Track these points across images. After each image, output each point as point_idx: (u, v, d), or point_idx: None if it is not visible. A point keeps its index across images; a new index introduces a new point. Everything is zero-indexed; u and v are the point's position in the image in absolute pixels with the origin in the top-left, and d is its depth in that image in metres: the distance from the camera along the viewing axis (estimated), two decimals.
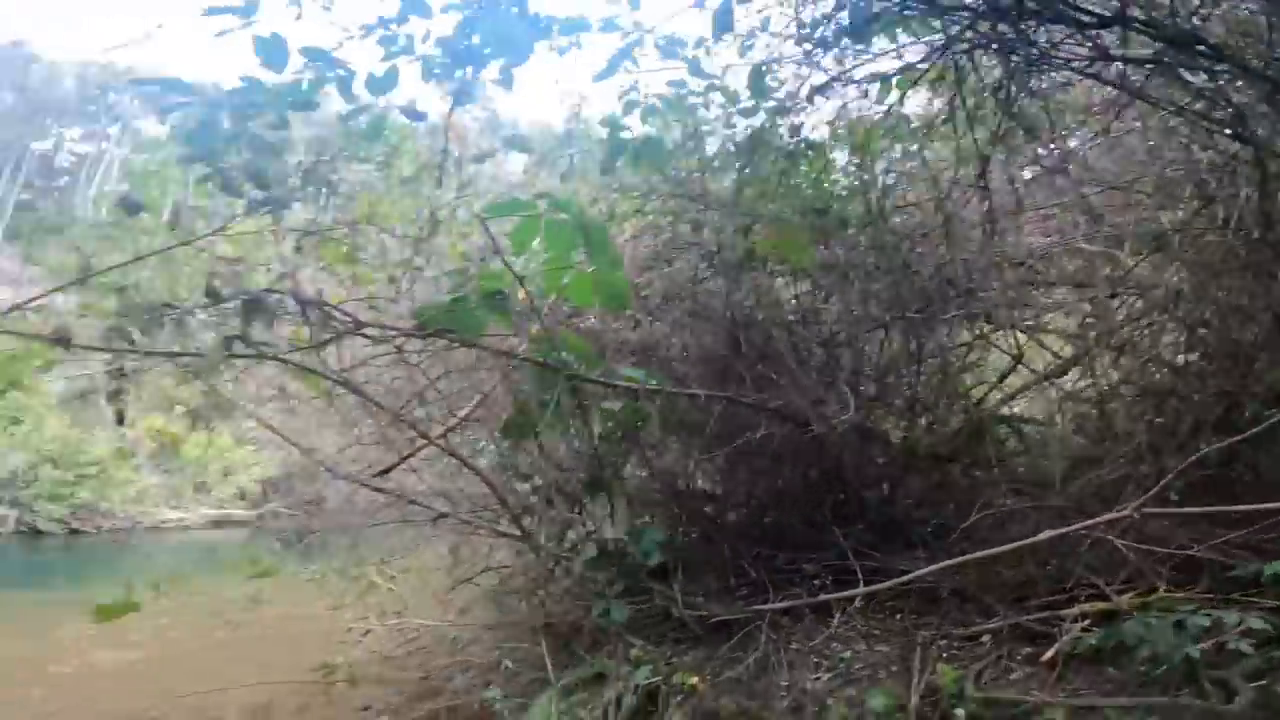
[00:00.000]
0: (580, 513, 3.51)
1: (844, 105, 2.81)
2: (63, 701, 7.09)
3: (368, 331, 2.09)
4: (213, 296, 1.87)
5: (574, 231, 2.00)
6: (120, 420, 26.60)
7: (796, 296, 3.62)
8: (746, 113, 2.86)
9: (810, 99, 2.64)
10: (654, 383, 2.45)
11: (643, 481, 3.22)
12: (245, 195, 2.17)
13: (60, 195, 44.59)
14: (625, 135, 2.74)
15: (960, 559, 2.64)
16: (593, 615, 3.42)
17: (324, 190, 2.27)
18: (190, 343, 2.04)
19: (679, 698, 3.18)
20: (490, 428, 3.07)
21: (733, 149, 2.93)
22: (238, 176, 2.13)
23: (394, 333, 2.02)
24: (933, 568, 2.53)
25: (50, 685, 7.60)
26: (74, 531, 21.37)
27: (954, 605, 2.89)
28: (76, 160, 46.56)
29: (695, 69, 2.88)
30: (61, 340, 2.09)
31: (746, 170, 2.85)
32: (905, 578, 2.61)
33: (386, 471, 2.83)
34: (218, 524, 24.57)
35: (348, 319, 2.02)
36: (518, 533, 3.46)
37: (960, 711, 2.22)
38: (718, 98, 2.97)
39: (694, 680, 3.18)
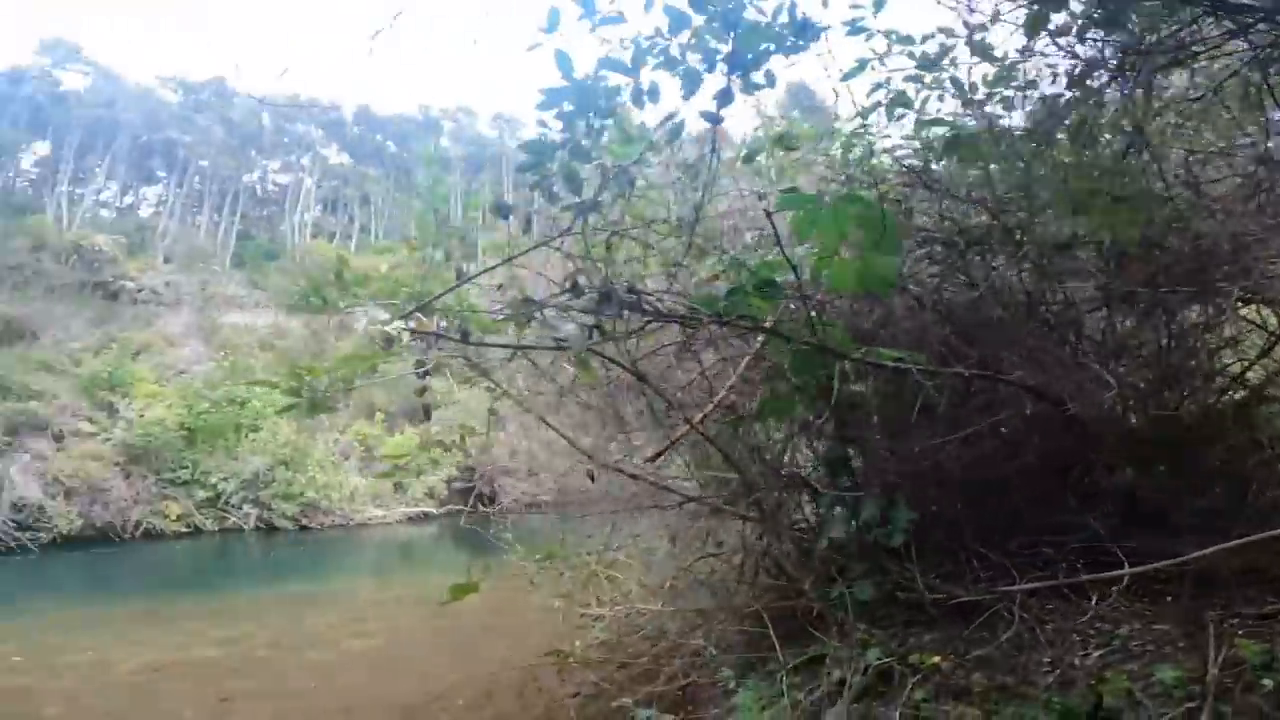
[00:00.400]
0: (815, 496, 3.67)
1: (1109, 85, 2.80)
2: (326, 685, 8.05)
3: (668, 319, 2.37)
4: (574, 290, 2.24)
5: (868, 218, 2.18)
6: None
7: (1023, 275, 3.59)
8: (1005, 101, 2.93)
9: (1080, 83, 2.66)
10: (917, 363, 2.57)
11: (883, 463, 3.34)
12: (559, 200, 2.54)
13: (268, 223, 50.49)
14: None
15: (1248, 539, 2.54)
16: (832, 596, 3.58)
17: (626, 191, 2.59)
18: (530, 335, 2.45)
19: (917, 677, 3.25)
20: (735, 413, 3.32)
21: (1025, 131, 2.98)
22: (555, 181, 2.50)
23: (702, 320, 2.28)
24: (1220, 546, 2.46)
25: (314, 671, 8.64)
26: (303, 528, 24.06)
27: (1238, 586, 2.76)
28: (278, 190, 52.86)
29: (927, 64, 3.00)
30: (465, 337, 2.52)
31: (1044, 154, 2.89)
32: (1186, 557, 2.55)
33: (657, 456, 3.16)
34: (413, 520, 26.90)
35: (660, 309, 2.33)
36: (755, 515, 3.68)
37: (1268, 681, 2.16)
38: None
39: (936, 659, 3.25)
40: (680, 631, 5.45)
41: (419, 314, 2.69)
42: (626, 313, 2.28)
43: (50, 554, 19.44)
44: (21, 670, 8.43)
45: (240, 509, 23.58)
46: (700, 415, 3.13)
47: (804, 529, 3.91)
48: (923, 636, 3.44)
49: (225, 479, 23.45)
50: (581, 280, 2.20)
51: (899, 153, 3.62)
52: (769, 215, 2.58)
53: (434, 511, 27.70)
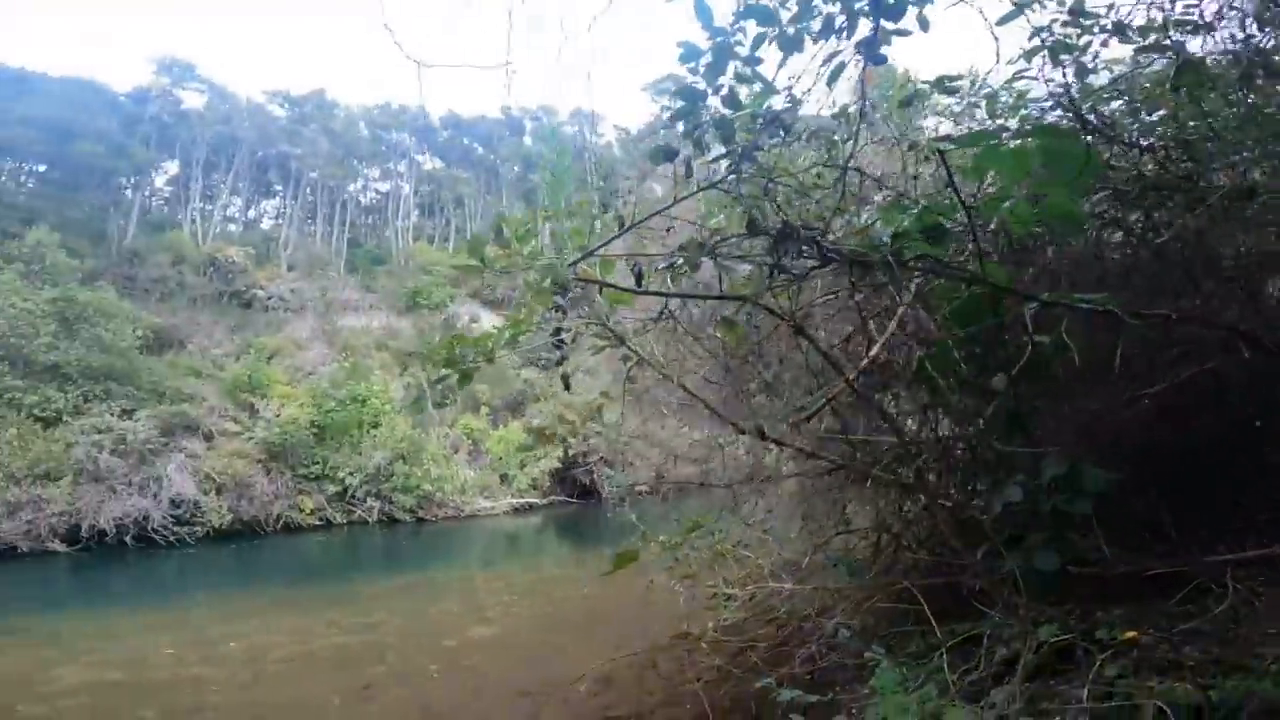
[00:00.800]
0: (979, 461, 3.46)
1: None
2: (454, 671, 8.40)
3: (846, 260, 2.26)
4: (752, 228, 2.18)
5: (1060, 153, 2.02)
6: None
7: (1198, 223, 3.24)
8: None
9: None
10: (1114, 307, 2.35)
11: (1063, 422, 3.10)
12: (708, 150, 2.47)
13: (373, 230, 52.96)
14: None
15: None
16: (1002, 568, 3.36)
17: (779, 140, 2.49)
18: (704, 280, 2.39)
19: (1106, 653, 3.01)
20: (891, 371, 3.16)
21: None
22: (706, 130, 2.43)
23: (876, 263, 2.17)
24: None
25: (441, 658, 9.00)
26: (419, 520, 25.26)
27: None
28: (380, 197, 55.52)
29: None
30: (637, 282, 2.51)
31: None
32: None
33: (810, 417, 3.05)
34: (519, 511, 27.78)
35: (837, 251, 2.23)
36: (913, 482, 3.50)
37: None
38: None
39: (1132, 634, 3.00)
40: (815, 611, 5.29)
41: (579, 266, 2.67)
42: (790, 262, 2.19)
43: (205, 547, 21.23)
44: (188, 661, 9.20)
45: (365, 502, 24.96)
46: (855, 371, 3.00)
47: (963, 498, 3.69)
48: (1111, 610, 3.19)
49: (351, 473, 24.88)
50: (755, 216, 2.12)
51: (1048, 102, 3.36)
52: (941, 155, 2.42)
53: (538, 502, 28.62)
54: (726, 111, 2.52)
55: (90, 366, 22.35)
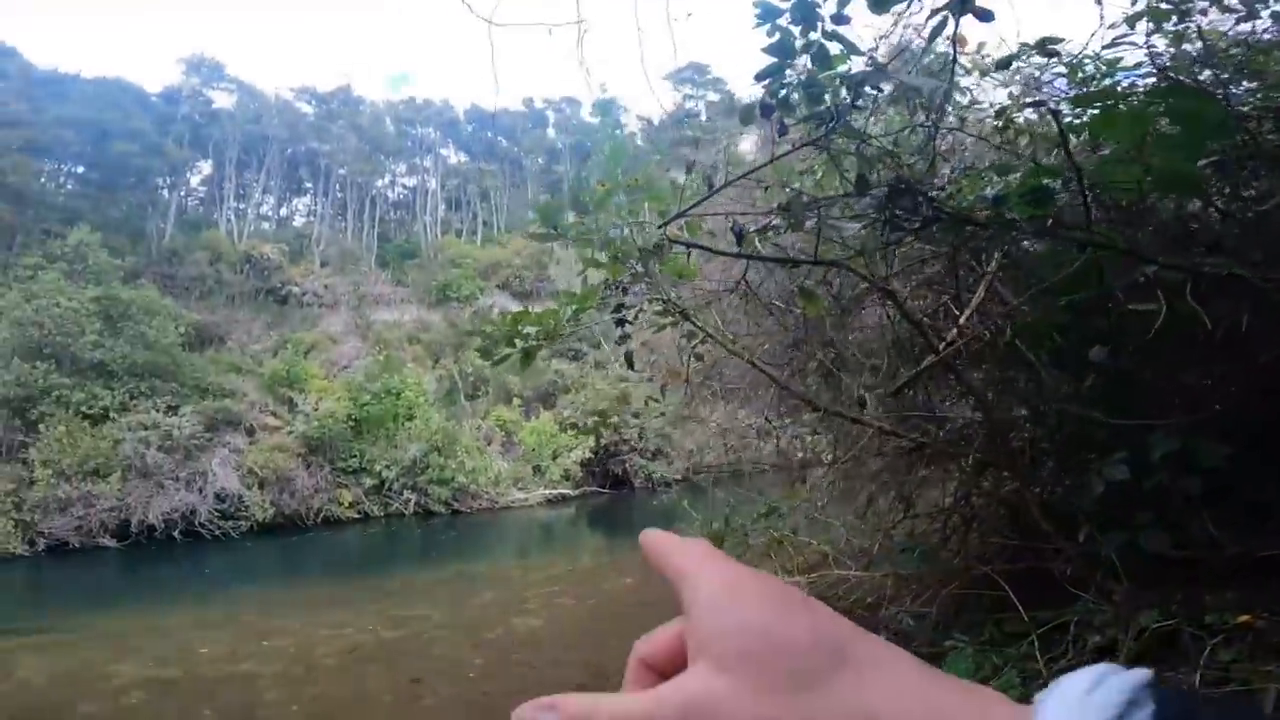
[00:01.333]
0: (1074, 439, 3.29)
1: None
2: (500, 665, 8.39)
3: (958, 220, 2.12)
4: (862, 185, 2.05)
5: (1185, 113, 1.86)
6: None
7: None
8: None
9: None
10: (1243, 272, 2.18)
11: (1164, 396, 2.92)
12: (795, 111, 2.33)
13: (401, 225, 53.39)
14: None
15: None
16: (1100, 552, 3.20)
17: (869, 101, 2.35)
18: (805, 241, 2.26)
19: (1217, 638, 2.86)
20: (980, 343, 3.00)
21: None
22: (792, 91, 2.30)
23: (987, 223, 2.03)
24: None
25: (486, 651, 9.03)
26: (454, 512, 25.39)
27: None
28: (407, 192, 56.01)
29: None
30: (740, 242, 2.39)
31: None
32: None
33: (900, 390, 2.91)
34: (551, 502, 27.81)
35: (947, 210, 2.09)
36: (1005, 460, 3.34)
37: None
38: None
39: (1245, 618, 2.85)
40: (885, 598, 5.16)
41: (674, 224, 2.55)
42: (905, 218, 2.06)
43: (249, 541, 21.62)
44: (240, 657, 9.29)
45: (401, 495, 25.21)
46: (945, 343, 2.85)
47: (1058, 478, 3.53)
48: (1222, 594, 3.02)
49: (388, 466, 25.13)
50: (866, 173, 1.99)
51: (1144, 68, 3.16)
52: (1055, 114, 2.26)
53: (570, 493, 28.63)
54: (814, 70, 2.38)
55: (135, 364, 22.85)
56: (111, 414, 22.00)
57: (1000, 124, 2.92)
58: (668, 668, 0.38)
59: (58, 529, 19.86)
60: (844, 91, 2.48)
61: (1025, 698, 0.32)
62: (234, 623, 11.47)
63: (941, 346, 2.84)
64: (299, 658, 9.12)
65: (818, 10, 2.54)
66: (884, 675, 0.32)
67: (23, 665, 9.10)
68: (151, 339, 23.42)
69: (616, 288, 3.13)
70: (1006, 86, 3.86)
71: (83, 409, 21.70)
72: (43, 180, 32.82)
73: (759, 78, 2.44)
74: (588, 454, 29.74)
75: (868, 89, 2.49)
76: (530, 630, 10.14)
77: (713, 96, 57.30)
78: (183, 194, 42.98)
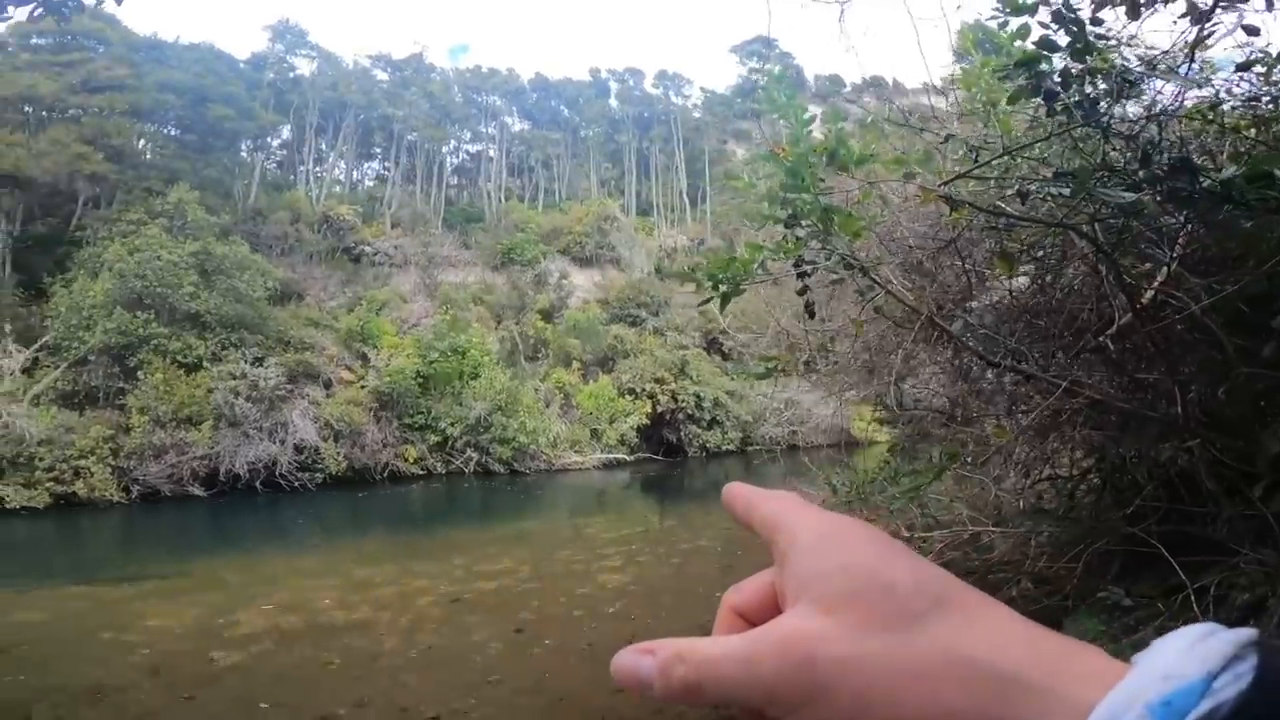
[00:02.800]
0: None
1: None
2: (599, 617, 8.75)
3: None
4: (1145, 160, 2.20)
5: None
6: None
7: None
8: None
9: None
10: None
11: None
12: (1056, 98, 2.48)
13: (467, 190, 54.16)
14: None
15: None
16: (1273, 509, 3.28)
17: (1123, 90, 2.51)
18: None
19: None
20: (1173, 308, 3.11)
21: None
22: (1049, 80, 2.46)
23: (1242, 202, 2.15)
24: None
25: (582, 603, 9.41)
26: (514, 472, 25.92)
27: None
28: (472, 158, 56.66)
29: None
30: (955, 204, 2.58)
31: None
32: None
33: (1100, 345, 3.04)
34: (607, 466, 28.14)
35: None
36: (1183, 419, 3.43)
37: None
38: None
39: None
40: (1024, 557, 5.23)
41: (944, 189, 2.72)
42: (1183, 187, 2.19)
43: (323, 493, 22.46)
44: (350, 605, 9.66)
45: (464, 453, 25.93)
46: (1142, 306, 2.99)
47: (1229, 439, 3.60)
48: None
49: (452, 424, 25.87)
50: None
51: None
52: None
53: (625, 458, 28.94)
54: (1071, 64, 2.54)
55: (226, 315, 23.97)
56: (204, 363, 23.11)
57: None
58: (757, 616, 0.38)
59: (152, 476, 20.82)
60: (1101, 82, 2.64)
61: None
62: (332, 572, 11.90)
63: (1138, 307, 2.98)
64: (404, 608, 9.45)
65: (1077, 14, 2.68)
66: (981, 621, 0.32)
67: (151, 613, 9.33)
68: (242, 292, 24.54)
69: (797, 241, 3.31)
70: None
71: (178, 358, 22.82)
72: (143, 142, 34.41)
73: (1016, 66, 2.57)
74: (644, 419, 29.99)
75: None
76: (620, 585, 10.39)
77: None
78: (264, 156, 44.46)
